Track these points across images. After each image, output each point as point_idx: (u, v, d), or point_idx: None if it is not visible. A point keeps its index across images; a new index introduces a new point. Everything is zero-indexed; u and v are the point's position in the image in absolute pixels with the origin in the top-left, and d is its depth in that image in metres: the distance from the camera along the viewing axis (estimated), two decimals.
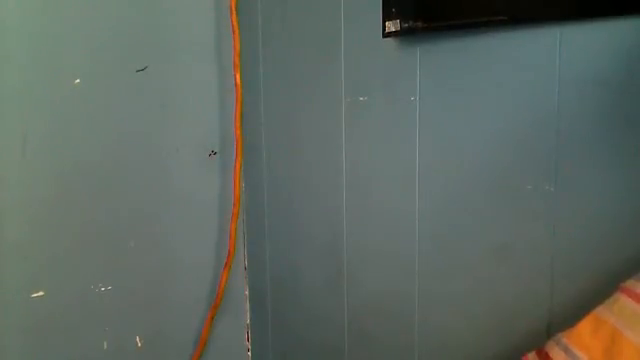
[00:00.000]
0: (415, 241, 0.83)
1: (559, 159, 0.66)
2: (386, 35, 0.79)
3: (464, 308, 0.78)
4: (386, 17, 0.79)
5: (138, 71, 1.08)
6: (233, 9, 1.12)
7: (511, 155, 0.70)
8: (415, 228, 0.83)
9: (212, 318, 1.18)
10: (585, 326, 0.55)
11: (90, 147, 1.05)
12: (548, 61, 0.65)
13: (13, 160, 0.98)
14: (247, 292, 1.25)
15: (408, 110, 0.82)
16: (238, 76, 1.13)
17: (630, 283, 0.55)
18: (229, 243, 1.18)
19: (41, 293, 1.03)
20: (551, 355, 0.57)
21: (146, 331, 1.14)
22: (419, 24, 0.75)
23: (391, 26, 0.78)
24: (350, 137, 0.93)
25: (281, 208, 1.12)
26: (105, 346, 1.09)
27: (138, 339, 1.13)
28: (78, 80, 1.03)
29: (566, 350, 0.56)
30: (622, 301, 0.54)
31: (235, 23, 1.12)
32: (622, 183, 0.61)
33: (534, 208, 0.68)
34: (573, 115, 0.64)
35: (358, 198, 0.93)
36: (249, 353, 1.26)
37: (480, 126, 0.73)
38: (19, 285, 1.01)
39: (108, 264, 1.09)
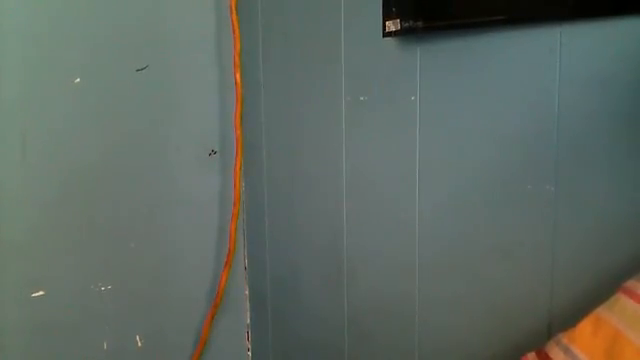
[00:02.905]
0: (415, 240, 0.83)
1: (559, 159, 0.66)
2: (386, 35, 0.79)
3: (464, 308, 0.78)
4: (386, 17, 0.79)
5: (138, 70, 1.08)
6: (233, 8, 1.12)
7: (511, 155, 0.70)
8: (415, 228, 0.83)
9: (212, 318, 1.18)
10: (586, 326, 0.55)
11: (90, 146, 1.05)
12: (548, 61, 0.65)
13: (13, 160, 0.98)
14: (247, 292, 1.25)
15: (408, 109, 0.81)
16: (238, 75, 1.13)
17: (631, 283, 0.55)
18: (229, 242, 1.18)
19: (41, 293, 1.03)
20: (551, 355, 0.57)
21: (146, 331, 1.14)
22: (419, 24, 0.74)
23: (391, 26, 0.78)
24: (350, 136, 0.93)
25: (281, 208, 1.12)
26: (105, 346, 1.09)
27: (138, 339, 1.13)
28: (78, 79, 1.03)
29: (566, 350, 0.55)
30: (623, 301, 0.54)
31: (235, 22, 1.12)
32: (622, 183, 0.61)
33: (534, 208, 0.68)
34: (573, 115, 0.64)
35: (358, 198, 0.93)
36: (249, 353, 1.26)
37: (480, 126, 0.73)
38: (19, 285, 1.01)
39: (108, 263, 1.09)
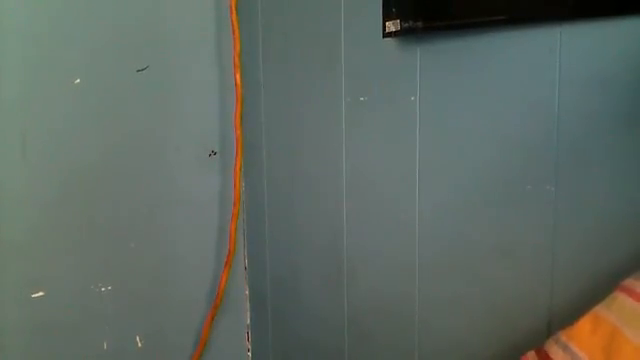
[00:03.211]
0: (415, 241, 0.83)
1: (559, 159, 0.66)
2: (386, 35, 0.80)
3: (464, 308, 0.78)
4: (386, 17, 0.79)
5: (138, 71, 1.08)
6: (233, 9, 1.12)
7: (511, 155, 0.70)
8: (415, 228, 0.83)
9: (212, 318, 1.18)
10: (584, 324, 0.55)
11: (90, 147, 1.05)
12: (548, 61, 0.65)
13: (13, 160, 0.98)
14: (247, 292, 1.25)
15: (408, 110, 0.82)
16: (238, 76, 1.13)
17: (629, 282, 0.55)
18: (229, 243, 1.18)
19: (41, 293, 1.03)
20: (550, 354, 0.57)
21: (146, 331, 1.14)
22: (419, 24, 0.75)
23: (391, 26, 0.78)
24: (350, 137, 0.93)
25: (281, 208, 1.12)
26: (105, 346, 1.09)
27: (138, 339, 1.13)
28: (78, 80, 1.03)
29: (565, 348, 0.56)
30: (621, 299, 0.54)
31: (235, 23, 1.12)
32: (622, 183, 0.61)
33: (534, 208, 0.68)
34: (573, 115, 0.64)
35: (358, 198, 0.93)
36: (249, 353, 1.26)
37: (480, 126, 0.73)
38: (19, 285, 1.01)
39: (108, 264, 1.09)
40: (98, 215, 1.07)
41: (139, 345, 1.13)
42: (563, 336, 0.57)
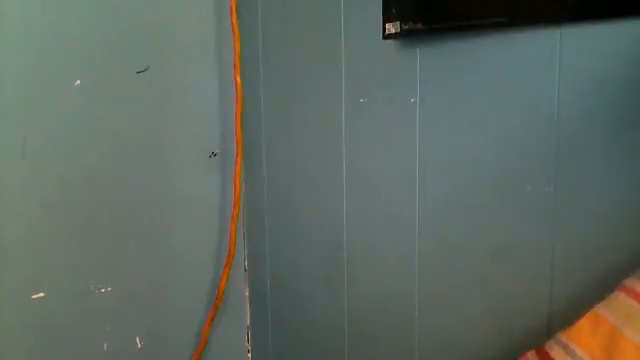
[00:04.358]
0: (415, 241, 0.83)
1: (559, 160, 0.66)
2: (386, 37, 0.80)
3: (464, 308, 0.78)
4: (386, 19, 0.79)
5: (139, 72, 1.08)
6: (233, 9, 1.12)
7: (511, 156, 0.71)
8: (415, 228, 0.83)
9: (212, 319, 1.18)
10: (585, 324, 0.56)
11: (90, 148, 1.05)
12: (548, 61, 0.65)
13: (13, 161, 0.98)
14: (247, 293, 1.25)
15: (408, 111, 0.82)
16: (238, 76, 1.13)
17: (630, 281, 0.55)
18: (229, 244, 1.18)
19: (41, 294, 1.02)
20: (551, 353, 0.57)
21: (146, 332, 1.14)
22: (419, 26, 0.75)
23: (391, 28, 0.79)
24: (350, 138, 0.93)
25: (281, 209, 1.12)
26: (105, 347, 1.09)
27: (138, 340, 1.13)
28: (78, 81, 1.03)
29: (565, 348, 0.56)
30: (621, 299, 0.54)
31: (235, 23, 1.12)
32: (621, 183, 0.61)
33: (534, 209, 0.69)
34: (573, 115, 0.64)
35: (358, 199, 0.93)
36: (249, 354, 1.26)
37: (480, 127, 0.73)
38: (19, 286, 1.01)
39: (108, 265, 1.08)
40: (98, 215, 1.07)
41: (139, 346, 1.13)
42: (563, 335, 0.57)
